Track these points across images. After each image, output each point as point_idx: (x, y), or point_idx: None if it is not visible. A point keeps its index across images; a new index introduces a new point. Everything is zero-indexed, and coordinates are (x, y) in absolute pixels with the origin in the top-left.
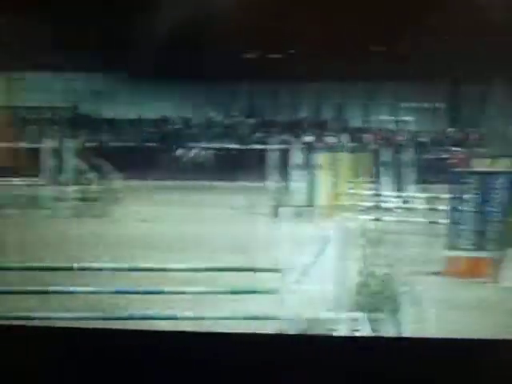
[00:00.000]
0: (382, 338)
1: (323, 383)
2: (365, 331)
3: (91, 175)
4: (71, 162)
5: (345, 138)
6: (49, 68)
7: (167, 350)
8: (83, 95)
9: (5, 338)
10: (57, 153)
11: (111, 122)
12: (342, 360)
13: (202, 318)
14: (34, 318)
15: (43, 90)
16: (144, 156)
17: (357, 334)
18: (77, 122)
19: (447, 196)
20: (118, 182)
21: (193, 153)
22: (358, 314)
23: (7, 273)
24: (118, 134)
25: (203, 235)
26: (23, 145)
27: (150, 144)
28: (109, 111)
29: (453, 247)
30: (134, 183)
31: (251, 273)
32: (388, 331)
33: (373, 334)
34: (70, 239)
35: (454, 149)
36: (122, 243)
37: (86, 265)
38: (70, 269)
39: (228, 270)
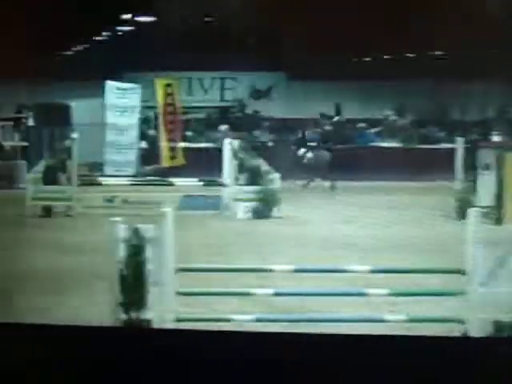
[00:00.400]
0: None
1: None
2: None
3: (269, 176)
4: (249, 162)
5: None
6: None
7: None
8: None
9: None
10: (235, 153)
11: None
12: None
13: (382, 321)
14: (229, 320)
15: (207, 89)
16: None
17: None
18: (243, 122)
19: None
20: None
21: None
22: None
23: (207, 274)
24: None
25: (383, 236)
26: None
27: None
28: (272, 111)
29: None
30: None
31: (433, 275)
32: None
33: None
34: (253, 240)
35: None
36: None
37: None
38: (269, 271)
39: (414, 271)
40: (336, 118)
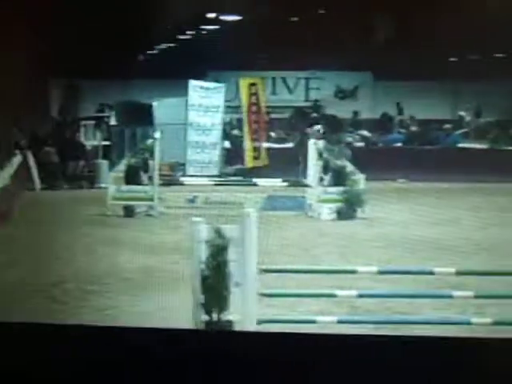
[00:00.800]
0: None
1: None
2: None
3: (354, 176)
4: (334, 162)
5: None
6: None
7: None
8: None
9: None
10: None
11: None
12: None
13: (468, 323)
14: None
15: (292, 88)
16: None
17: None
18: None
19: None
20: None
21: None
22: None
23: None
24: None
25: (472, 238)
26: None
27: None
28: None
29: None
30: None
31: None
32: None
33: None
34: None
35: None
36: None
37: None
38: (353, 272)
39: (499, 274)
40: (398, 118)
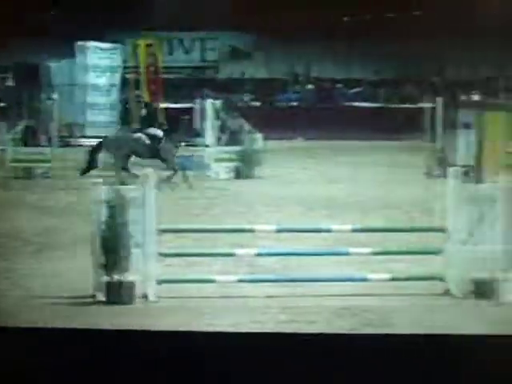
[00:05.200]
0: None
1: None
2: None
3: (252, 136)
4: (231, 122)
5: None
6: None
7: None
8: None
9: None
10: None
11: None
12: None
13: (365, 280)
14: (212, 281)
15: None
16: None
17: None
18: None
19: None
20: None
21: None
22: None
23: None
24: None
25: (369, 195)
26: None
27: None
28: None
29: None
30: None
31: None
32: None
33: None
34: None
35: None
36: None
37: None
38: (251, 231)
39: (394, 230)
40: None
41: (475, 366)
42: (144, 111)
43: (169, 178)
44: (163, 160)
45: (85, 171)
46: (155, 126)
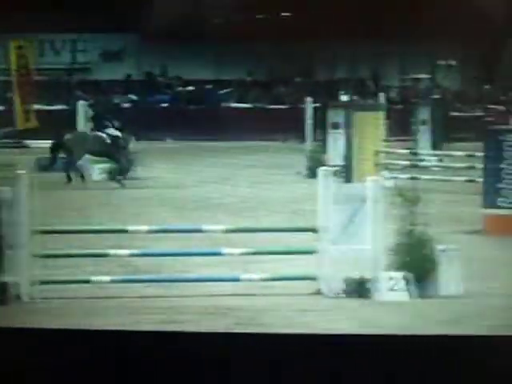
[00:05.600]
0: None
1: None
2: (402, 290)
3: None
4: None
5: (380, 97)
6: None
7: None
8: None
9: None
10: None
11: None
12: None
13: (238, 280)
14: (88, 281)
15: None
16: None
17: (394, 293)
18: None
19: (484, 154)
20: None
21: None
22: (396, 274)
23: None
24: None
25: (242, 196)
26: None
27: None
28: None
29: (490, 205)
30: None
31: (289, 233)
32: (426, 291)
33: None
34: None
35: (491, 106)
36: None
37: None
38: (125, 231)
39: (266, 230)
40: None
41: (471, 366)
42: (92, 112)
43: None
44: (117, 159)
45: (45, 168)
46: (109, 125)
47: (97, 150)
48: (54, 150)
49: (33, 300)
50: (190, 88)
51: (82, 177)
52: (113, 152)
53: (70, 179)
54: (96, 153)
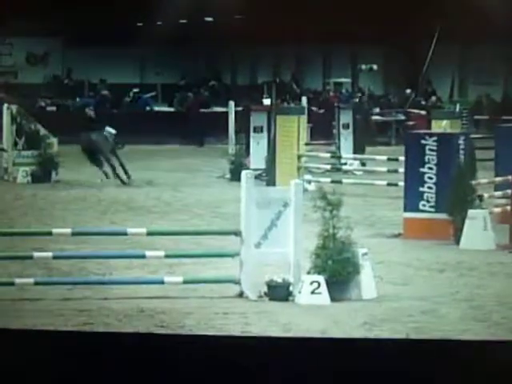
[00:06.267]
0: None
1: None
2: (324, 294)
3: (48, 140)
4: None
5: (303, 101)
6: None
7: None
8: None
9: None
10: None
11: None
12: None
13: (162, 282)
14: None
15: None
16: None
17: (317, 296)
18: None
19: (405, 158)
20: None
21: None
22: (318, 277)
23: None
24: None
25: (164, 199)
26: None
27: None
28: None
29: (412, 209)
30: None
31: (213, 236)
32: (347, 295)
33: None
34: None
35: (412, 110)
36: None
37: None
38: (48, 234)
39: (189, 233)
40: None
41: (473, 371)
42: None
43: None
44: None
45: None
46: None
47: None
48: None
49: None
50: (113, 91)
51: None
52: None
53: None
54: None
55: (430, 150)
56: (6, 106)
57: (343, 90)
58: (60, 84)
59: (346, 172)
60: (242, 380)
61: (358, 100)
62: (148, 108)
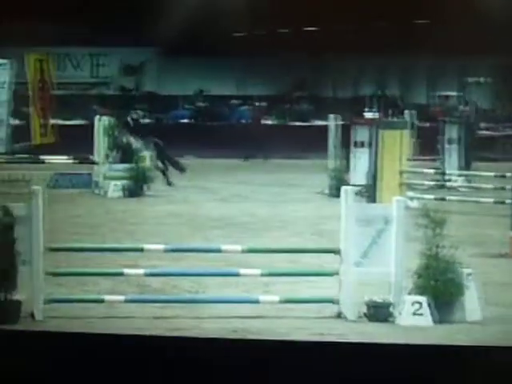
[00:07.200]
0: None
1: None
2: (425, 315)
3: (141, 153)
4: (121, 139)
5: (408, 115)
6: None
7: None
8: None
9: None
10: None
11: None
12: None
13: (257, 302)
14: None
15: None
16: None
17: (418, 318)
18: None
19: None
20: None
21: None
22: (420, 298)
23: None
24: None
25: (261, 215)
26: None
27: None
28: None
29: None
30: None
31: (311, 254)
32: (450, 316)
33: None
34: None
35: None
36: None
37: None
38: (140, 250)
39: (286, 251)
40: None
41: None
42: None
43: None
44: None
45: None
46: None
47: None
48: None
49: (46, 319)
50: (212, 103)
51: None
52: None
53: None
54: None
55: None
56: (98, 117)
57: (450, 104)
58: (154, 95)
59: (450, 189)
60: None
61: (464, 114)
62: (243, 121)
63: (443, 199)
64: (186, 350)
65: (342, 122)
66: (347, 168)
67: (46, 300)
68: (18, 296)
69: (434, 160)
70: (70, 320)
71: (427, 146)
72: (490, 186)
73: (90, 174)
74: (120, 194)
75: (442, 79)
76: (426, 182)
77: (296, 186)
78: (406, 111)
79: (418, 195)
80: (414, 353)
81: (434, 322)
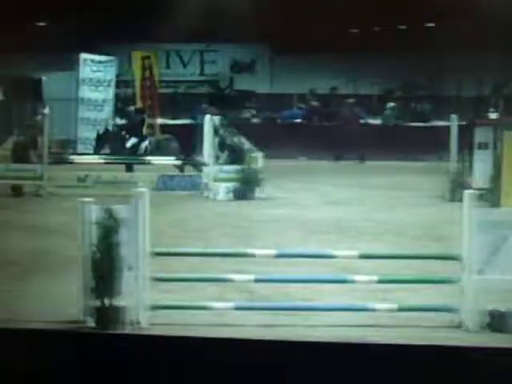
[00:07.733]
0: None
1: None
2: None
3: (252, 154)
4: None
5: None
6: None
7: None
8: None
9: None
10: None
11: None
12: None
13: (373, 310)
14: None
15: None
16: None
17: None
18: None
19: None
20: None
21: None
22: None
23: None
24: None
25: (376, 219)
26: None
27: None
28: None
29: None
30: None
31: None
32: None
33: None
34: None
35: None
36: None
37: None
38: (251, 255)
39: (404, 257)
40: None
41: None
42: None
43: None
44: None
45: None
46: None
47: None
48: None
49: (151, 326)
50: (325, 103)
51: None
52: None
53: None
54: None
55: None
56: (208, 117)
57: None
58: (266, 94)
59: None
60: None
61: None
62: (360, 121)
63: None
64: (216, 351)
65: (463, 123)
66: (469, 171)
67: (152, 306)
68: (123, 302)
69: None
70: (173, 327)
71: None
72: None
73: (198, 176)
74: (231, 196)
75: None
76: None
77: (413, 190)
78: None
79: None
80: (414, 353)
81: None
